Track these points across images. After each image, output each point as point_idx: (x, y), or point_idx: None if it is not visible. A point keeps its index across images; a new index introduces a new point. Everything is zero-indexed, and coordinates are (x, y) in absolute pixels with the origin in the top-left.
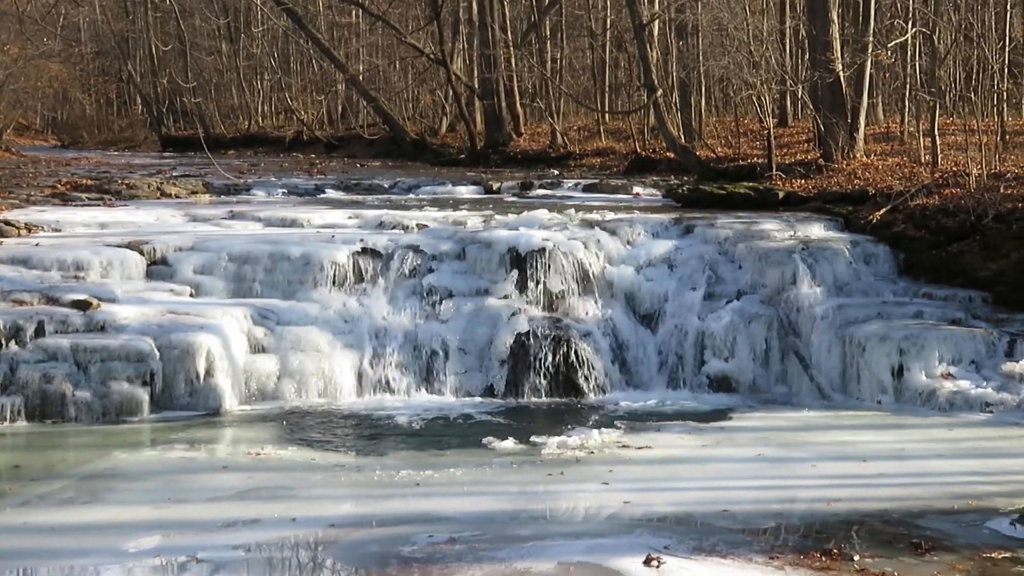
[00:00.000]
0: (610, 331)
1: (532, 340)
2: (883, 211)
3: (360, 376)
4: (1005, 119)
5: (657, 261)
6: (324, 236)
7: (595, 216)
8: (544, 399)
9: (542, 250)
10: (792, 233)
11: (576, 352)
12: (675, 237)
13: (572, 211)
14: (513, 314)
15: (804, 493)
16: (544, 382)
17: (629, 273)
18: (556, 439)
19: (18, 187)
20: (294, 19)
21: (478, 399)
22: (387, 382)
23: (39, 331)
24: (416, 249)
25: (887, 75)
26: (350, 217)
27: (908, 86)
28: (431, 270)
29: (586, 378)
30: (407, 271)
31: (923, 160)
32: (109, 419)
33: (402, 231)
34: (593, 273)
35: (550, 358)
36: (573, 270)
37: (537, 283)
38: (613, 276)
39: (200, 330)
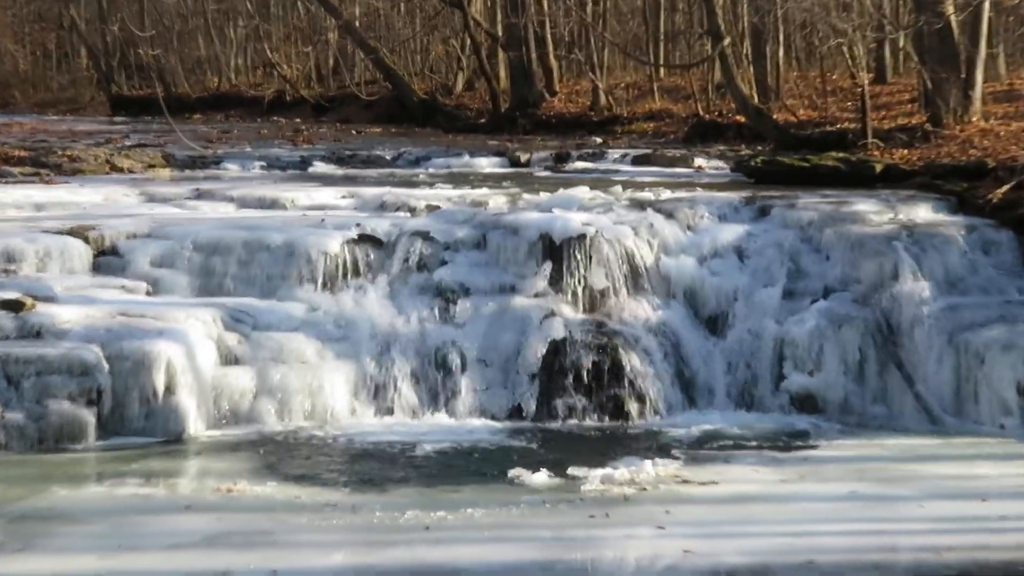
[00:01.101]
0: (666, 337)
1: (569, 349)
2: (1006, 188)
3: (356, 394)
4: None
5: (724, 250)
6: (312, 220)
7: (647, 195)
8: (584, 422)
9: (582, 237)
10: (892, 216)
11: (624, 364)
12: (747, 221)
13: (619, 188)
14: (546, 317)
15: (908, 540)
16: (584, 401)
17: (690, 265)
18: (599, 472)
19: None
20: None
21: (503, 422)
22: (390, 401)
23: None
24: (426, 236)
25: (1010, 19)
26: (344, 197)
27: None
28: (444, 262)
29: (636, 396)
30: (414, 264)
31: None
32: (47, 446)
33: (408, 214)
34: (645, 265)
35: (592, 371)
36: (620, 262)
37: (576, 278)
38: (670, 269)
39: (158, 336)
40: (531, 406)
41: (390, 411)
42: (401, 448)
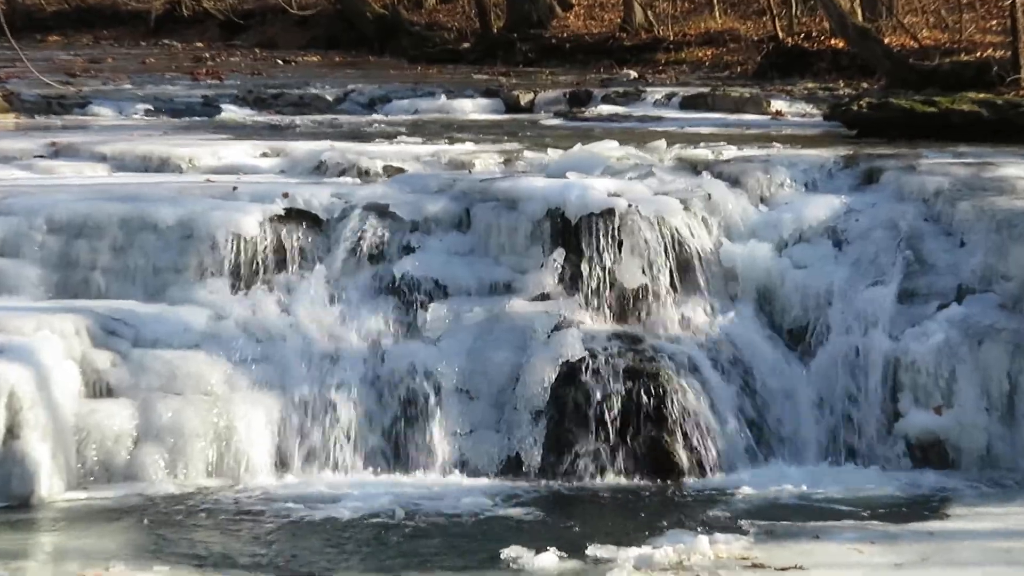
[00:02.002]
0: (729, 358)
1: (589, 376)
2: None
3: (283, 439)
4: None
5: (814, 233)
6: (219, 189)
7: (702, 153)
8: (612, 480)
9: (608, 214)
10: None
11: (668, 397)
12: (846, 190)
13: (661, 144)
14: (556, 329)
15: None
16: (611, 450)
17: (764, 254)
18: (633, 553)
19: None
20: None
21: (494, 480)
22: (331, 450)
23: None
24: (383, 212)
25: None
26: (265, 155)
27: None
28: (410, 250)
29: (686, 443)
30: (367, 252)
31: None
32: None
33: (358, 180)
34: (700, 255)
35: (622, 408)
36: (663, 249)
37: (599, 273)
38: (735, 259)
39: None
40: (535, 457)
41: (332, 465)
42: (349, 519)
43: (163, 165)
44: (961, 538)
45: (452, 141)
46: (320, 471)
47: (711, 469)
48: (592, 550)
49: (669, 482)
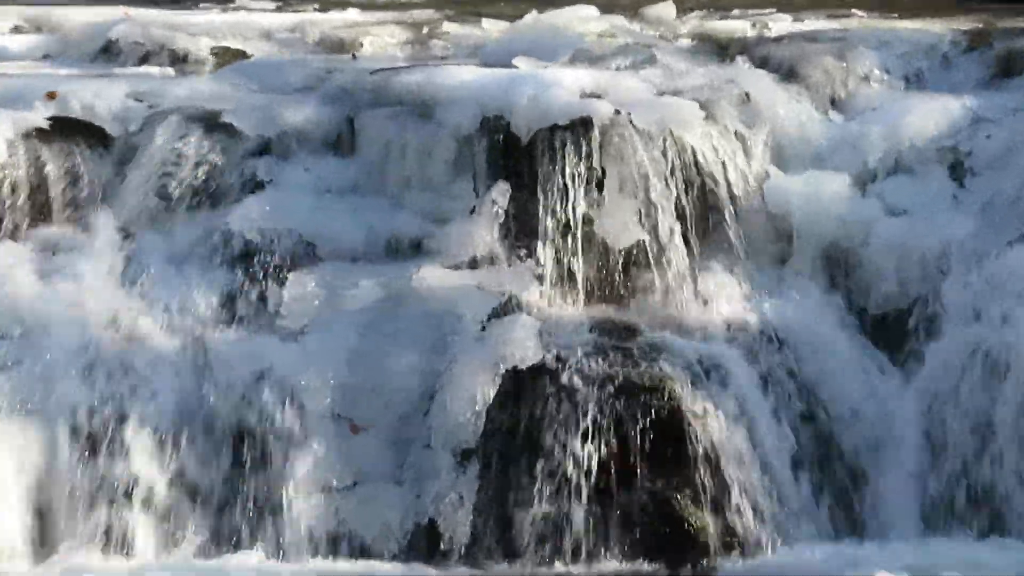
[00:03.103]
0: (779, 364)
1: (552, 393)
2: None
3: (43, 501)
4: None
5: (919, 158)
6: None
7: (737, 25)
8: (584, 568)
9: (582, 126)
10: None
11: (684, 428)
12: (972, 88)
13: (668, 8)
14: (496, 315)
15: None
16: (589, 518)
17: (837, 194)
18: None
19: None
20: None
21: (392, 570)
22: (127, 521)
23: None
24: (212, 124)
25: None
26: (19, 28)
27: None
28: (256, 185)
29: (714, 506)
30: (185, 188)
31: None
32: None
33: (171, 70)
34: (732, 193)
35: (607, 446)
36: (672, 185)
37: (567, 222)
38: (789, 202)
39: None
40: (461, 530)
41: (122, 544)
42: None
43: None
44: None
45: (326, 5)
46: (104, 553)
47: (753, 547)
48: None
49: (683, 571)
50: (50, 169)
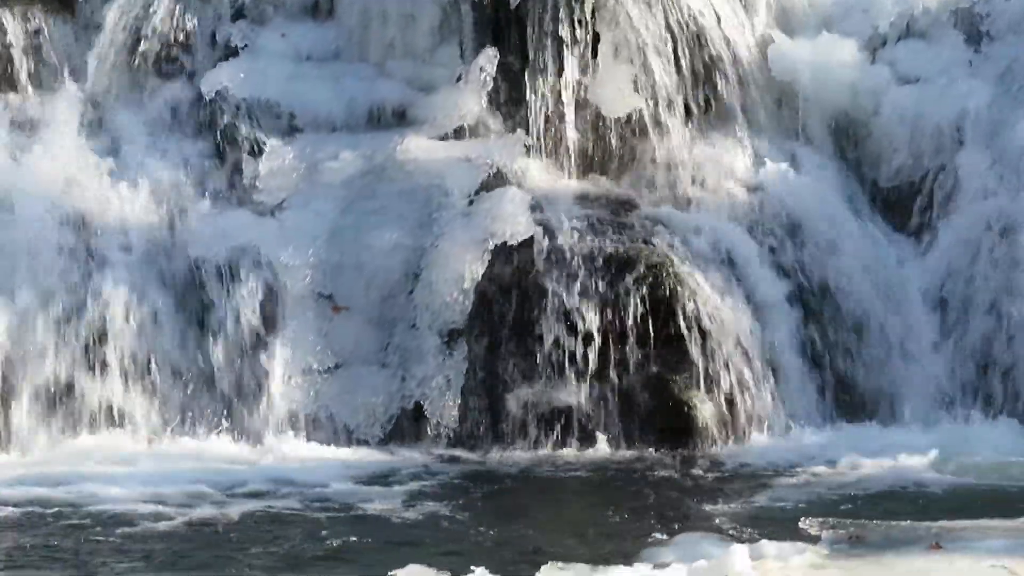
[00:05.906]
0: (788, 243)
1: (544, 270)
2: None
3: (10, 383)
4: None
5: (933, 20)
6: None
7: None
8: (586, 453)
9: None
10: None
11: (683, 307)
12: None
13: None
14: (485, 188)
15: None
16: (586, 401)
17: (846, 59)
18: (621, 572)
19: None
20: None
21: (377, 453)
22: (99, 399)
23: None
24: None
25: None
26: None
27: None
28: (229, 51)
29: (714, 389)
30: (153, 54)
31: None
32: None
33: None
34: (734, 56)
35: (603, 327)
36: (671, 48)
37: (560, 89)
38: (795, 67)
39: None
40: (449, 414)
41: (102, 422)
42: (111, 515)
43: None
44: None
45: None
46: (76, 435)
47: (754, 430)
48: (550, 571)
49: (684, 452)
50: (12, 34)
